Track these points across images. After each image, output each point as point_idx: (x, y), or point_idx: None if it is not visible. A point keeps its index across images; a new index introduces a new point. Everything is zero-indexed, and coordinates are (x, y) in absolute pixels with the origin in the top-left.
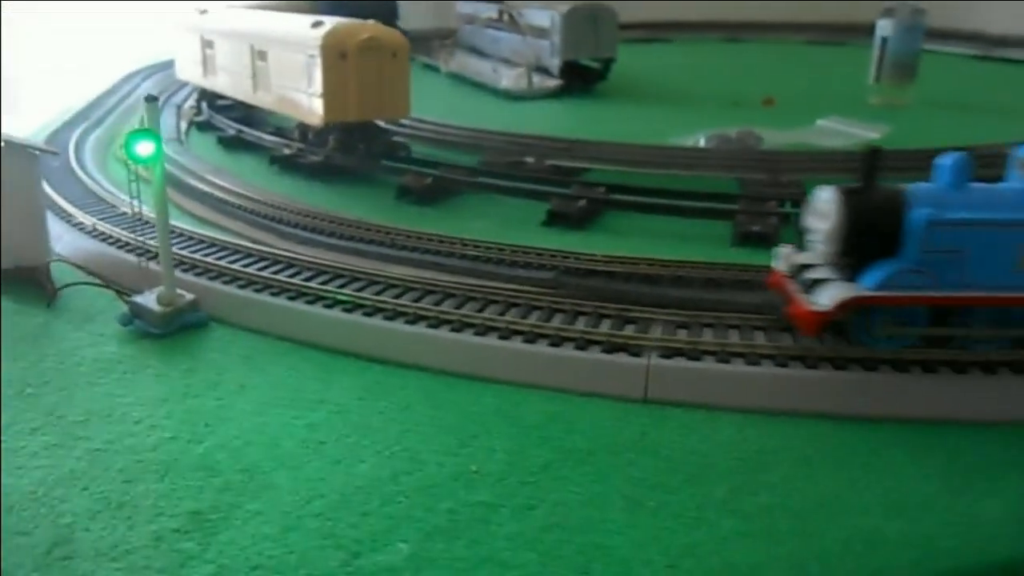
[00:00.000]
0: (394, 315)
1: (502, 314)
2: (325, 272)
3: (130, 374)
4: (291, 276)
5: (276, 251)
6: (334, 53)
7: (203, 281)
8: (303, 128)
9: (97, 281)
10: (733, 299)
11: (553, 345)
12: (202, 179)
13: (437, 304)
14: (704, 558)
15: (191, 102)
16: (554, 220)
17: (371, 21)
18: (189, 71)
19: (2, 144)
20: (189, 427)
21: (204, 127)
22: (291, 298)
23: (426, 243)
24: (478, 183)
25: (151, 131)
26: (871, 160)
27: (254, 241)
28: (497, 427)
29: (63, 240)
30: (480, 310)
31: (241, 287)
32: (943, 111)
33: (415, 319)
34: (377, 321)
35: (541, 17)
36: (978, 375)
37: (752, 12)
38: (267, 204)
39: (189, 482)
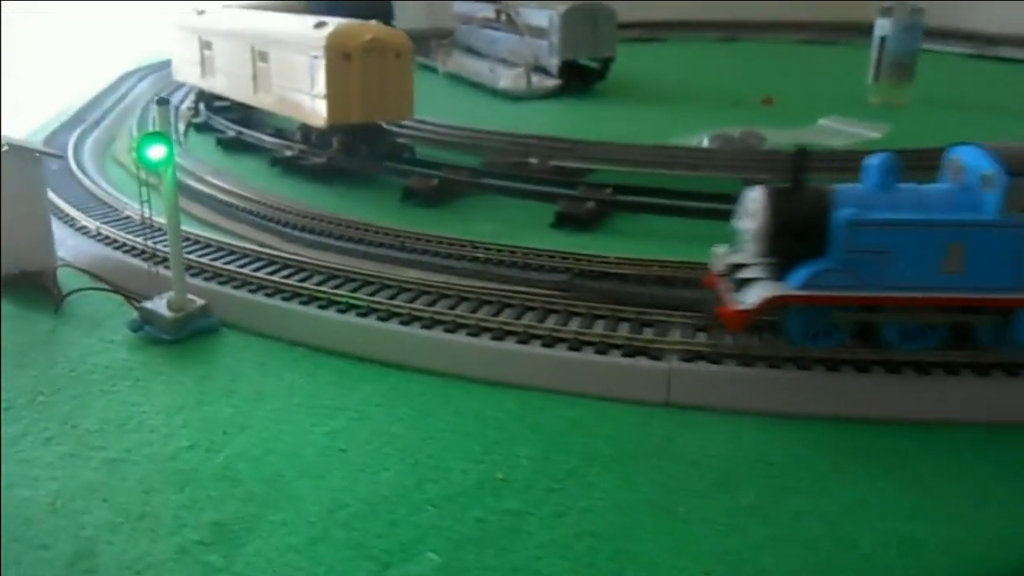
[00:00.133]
0: (410, 320)
1: (518, 318)
2: (336, 276)
3: (143, 381)
4: (302, 280)
5: (285, 255)
6: (338, 54)
7: (213, 286)
8: (305, 130)
9: (106, 286)
10: None
11: (572, 349)
12: (203, 181)
13: (452, 308)
14: (738, 565)
15: (188, 103)
16: (562, 222)
17: (374, 21)
18: (187, 72)
19: (4, 147)
20: (207, 436)
21: (202, 128)
22: (303, 302)
23: (436, 246)
24: (483, 184)
25: (163, 134)
26: (800, 161)
27: (260, 244)
28: (520, 433)
29: (66, 244)
30: (496, 314)
31: (252, 291)
32: (943, 111)
33: (431, 324)
34: (393, 326)
35: (539, 17)
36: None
37: (748, 11)
38: (271, 206)
39: (210, 492)
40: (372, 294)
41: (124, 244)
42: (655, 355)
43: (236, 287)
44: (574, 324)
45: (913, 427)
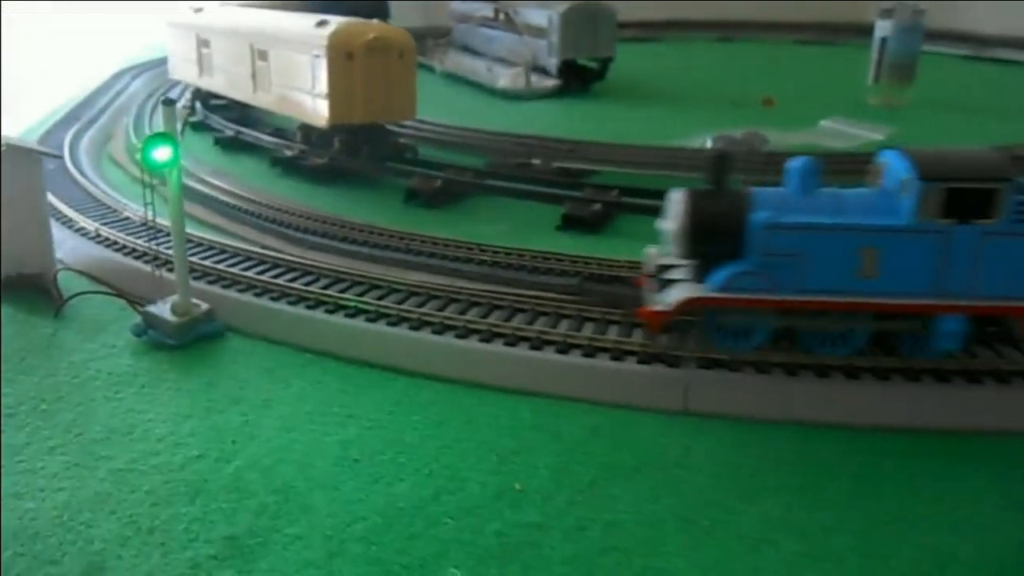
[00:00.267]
0: (420, 325)
1: (531, 323)
2: (342, 279)
3: (148, 388)
4: (308, 284)
5: (290, 258)
6: (340, 53)
7: (217, 289)
8: (306, 129)
9: (108, 290)
10: None
11: (587, 356)
12: (203, 181)
13: (463, 313)
14: None
15: (184, 101)
16: (569, 224)
17: (375, 20)
18: (183, 70)
19: (3, 147)
20: (216, 445)
21: (199, 127)
22: (310, 307)
23: (443, 248)
24: (487, 186)
25: (169, 135)
26: (720, 163)
27: (262, 246)
28: (537, 442)
29: (65, 246)
30: (508, 319)
31: (257, 295)
32: (944, 112)
33: (442, 329)
34: (403, 331)
35: (538, 16)
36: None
37: (748, 12)
38: (272, 208)
39: (222, 504)
40: (380, 298)
41: (124, 246)
42: (671, 362)
43: (240, 291)
44: (588, 329)
45: (931, 435)
